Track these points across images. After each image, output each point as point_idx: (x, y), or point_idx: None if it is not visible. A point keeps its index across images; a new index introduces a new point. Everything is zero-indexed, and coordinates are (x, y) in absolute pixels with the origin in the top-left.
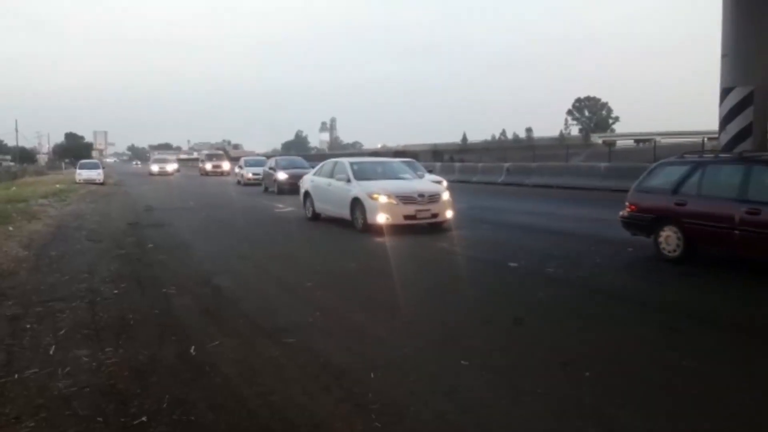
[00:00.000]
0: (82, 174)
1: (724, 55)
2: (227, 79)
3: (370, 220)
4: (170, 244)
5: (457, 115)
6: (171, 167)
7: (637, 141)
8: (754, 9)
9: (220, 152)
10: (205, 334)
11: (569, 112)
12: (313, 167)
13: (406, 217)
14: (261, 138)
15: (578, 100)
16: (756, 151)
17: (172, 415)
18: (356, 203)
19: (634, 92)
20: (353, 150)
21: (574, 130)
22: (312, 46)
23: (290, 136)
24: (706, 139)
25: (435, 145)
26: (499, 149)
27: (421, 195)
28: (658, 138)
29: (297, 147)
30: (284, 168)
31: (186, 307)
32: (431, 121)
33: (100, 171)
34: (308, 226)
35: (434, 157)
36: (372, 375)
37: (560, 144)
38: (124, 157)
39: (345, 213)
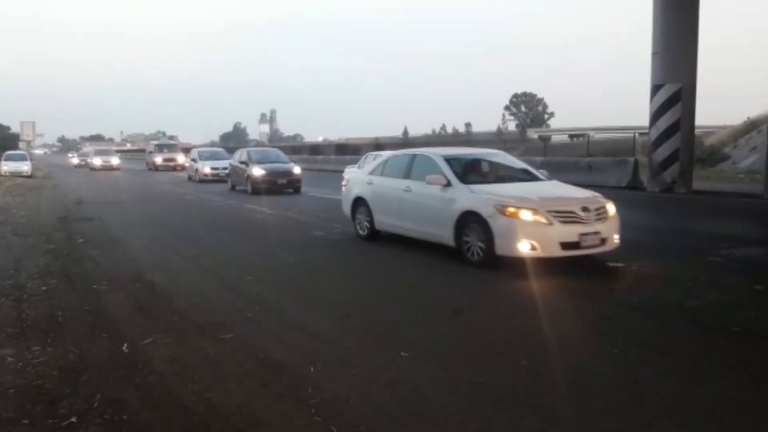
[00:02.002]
0: (8, 166)
1: (654, 53)
2: (161, 70)
3: (501, 250)
4: (101, 238)
5: (398, 109)
6: (116, 161)
7: (571, 136)
8: (683, 10)
9: (173, 142)
10: (139, 331)
11: (506, 108)
12: (288, 162)
13: (565, 246)
14: (197, 129)
15: (515, 95)
16: (685, 145)
17: (104, 415)
18: (469, 221)
19: (568, 88)
20: (294, 143)
21: (512, 125)
22: (251, 37)
23: (228, 128)
24: (637, 134)
25: (377, 138)
26: (440, 143)
27: (586, 208)
28: (591, 133)
29: (235, 139)
30: (259, 162)
31: (118, 303)
32: (372, 114)
33: (28, 163)
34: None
35: (376, 150)
36: (312, 369)
37: (498, 139)
38: (54, 149)
39: (443, 234)
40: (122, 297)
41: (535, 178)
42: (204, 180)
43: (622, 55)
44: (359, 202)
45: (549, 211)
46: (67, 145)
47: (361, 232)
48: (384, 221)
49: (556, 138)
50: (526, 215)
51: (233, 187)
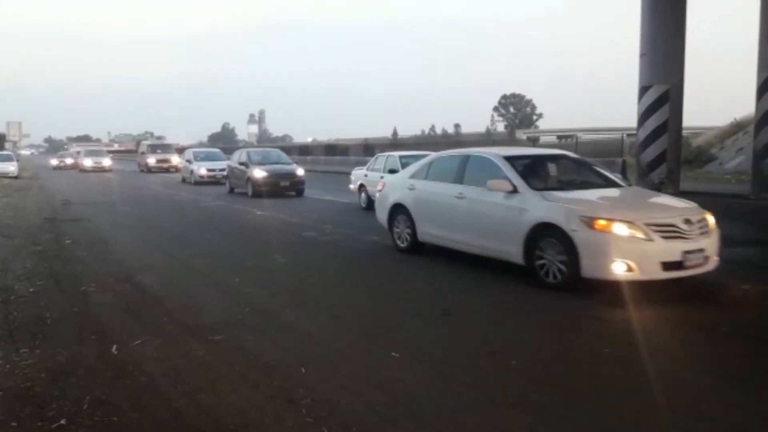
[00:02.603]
0: None
1: (642, 55)
2: (149, 70)
3: (589, 271)
4: (89, 239)
5: (388, 109)
6: (107, 162)
7: (559, 137)
8: (670, 12)
9: (167, 143)
10: (128, 333)
11: (495, 109)
12: (291, 163)
13: (667, 266)
14: (185, 130)
15: (504, 96)
16: (673, 146)
17: (93, 417)
18: (545, 235)
19: (557, 90)
20: (283, 144)
21: (500, 126)
22: (240, 38)
23: (217, 128)
24: (625, 135)
25: (366, 139)
26: (430, 144)
27: (688, 221)
28: (579, 134)
29: (224, 139)
30: (260, 164)
31: (107, 305)
32: (361, 115)
33: (15, 163)
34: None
35: (366, 152)
36: (303, 370)
37: (487, 139)
38: (41, 149)
39: (508, 250)
40: (111, 298)
41: (612, 183)
42: (199, 182)
43: (610, 57)
44: (398, 210)
45: (647, 224)
46: (54, 146)
47: (400, 243)
48: (429, 232)
49: (544, 139)
50: (620, 229)
51: (231, 190)
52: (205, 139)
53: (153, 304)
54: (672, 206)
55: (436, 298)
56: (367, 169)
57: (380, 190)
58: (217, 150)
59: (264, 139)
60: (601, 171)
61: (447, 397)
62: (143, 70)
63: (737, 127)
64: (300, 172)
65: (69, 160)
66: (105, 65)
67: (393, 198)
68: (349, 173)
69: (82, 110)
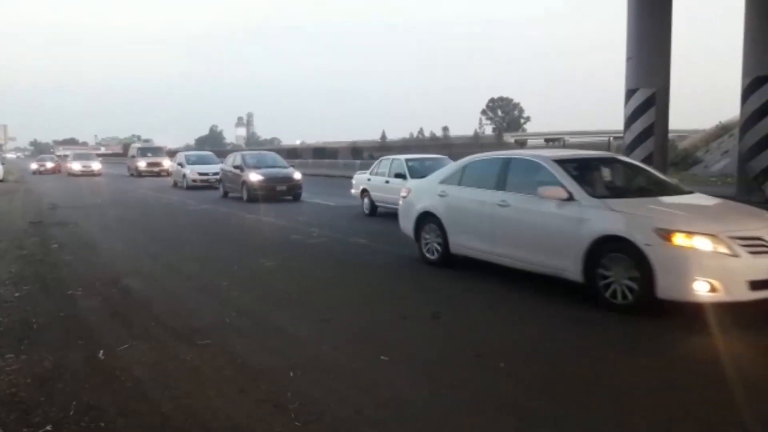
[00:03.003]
0: None
1: (629, 58)
2: (136, 73)
3: (665, 291)
4: (76, 243)
5: (376, 112)
6: (97, 166)
7: (547, 140)
8: (656, 16)
9: (158, 146)
10: (115, 337)
11: (483, 112)
12: (287, 166)
13: (755, 285)
14: (173, 133)
15: (492, 100)
16: (659, 149)
17: (80, 423)
18: (610, 249)
19: (544, 93)
20: (271, 146)
21: (488, 130)
22: (228, 41)
23: (204, 131)
24: (612, 138)
25: (354, 142)
26: (418, 147)
27: None
28: (566, 137)
29: (212, 142)
30: (255, 167)
31: (94, 309)
32: (350, 118)
33: (0, 167)
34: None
35: (354, 154)
36: (291, 374)
37: (475, 142)
38: (27, 152)
39: (564, 266)
40: (98, 303)
41: (673, 189)
42: (192, 186)
43: (597, 61)
44: (427, 219)
45: (732, 238)
46: (39, 149)
47: (429, 255)
48: (464, 244)
49: (532, 142)
50: (702, 243)
51: (225, 194)
52: (192, 142)
53: (140, 308)
54: (754, 216)
55: (424, 300)
56: (371, 173)
57: (404, 197)
58: (209, 153)
59: (252, 142)
60: (658, 175)
61: (436, 399)
62: (130, 73)
63: (722, 130)
64: (297, 175)
65: (49, 164)
66: (92, 68)
67: (421, 205)
68: (337, 176)
69: (69, 113)
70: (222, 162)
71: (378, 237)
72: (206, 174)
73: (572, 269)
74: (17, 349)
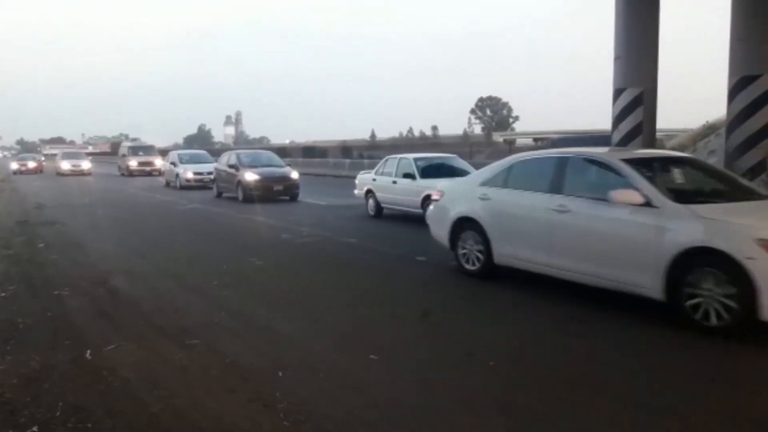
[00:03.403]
0: None
1: (617, 58)
2: (123, 71)
3: None
4: (63, 242)
5: (365, 111)
6: (87, 165)
7: (535, 139)
8: (644, 16)
9: (150, 144)
10: (102, 337)
11: (472, 111)
12: (283, 165)
13: None
14: (161, 132)
15: (481, 99)
16: (647, 148)
17: (67, 424)
18: (699, 263)
19: (533, 92)
20: (260, 145)
21: (477, 129)
22: (216, 39)
23: (192, 130)
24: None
25: (344, 141)
26: (407, 146)
27: None
28: (555, 136)
29: (200, 141)
30: (251, 166)
31: (81, 309)
32: (339, 117)
33: None
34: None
35: (344, 154)
36: (280, 374)
37: (464, 142)
38: (13, 151)
39: (641, 282)
40: (85, 302)
41: (757, 194)
42: (186, 186)
43: (584, 60)
44: (465, 225)
45: None
46: (26, 148)
47: (468, 266)
48: (512, 254)
49: (521, 141)
50: None
51: (219, 194)
52: (180, 140)
53: (128, 308)
54: None
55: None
56: (376, 173)
57: (436, 200)
58: (203, 152)
59: (241, 140)
60: (736, 178)
61: (426, 398)
62: (118, 71)
63: (709, 129)
64: (294, 175)
65: (31, 164)
66: (79, 66)
67: (457, 210)
68: (327, 175)
69: (56, 112)
70: (216, 161)
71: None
72: (201, 173)
73: (651, 286)
74: (3, 350)
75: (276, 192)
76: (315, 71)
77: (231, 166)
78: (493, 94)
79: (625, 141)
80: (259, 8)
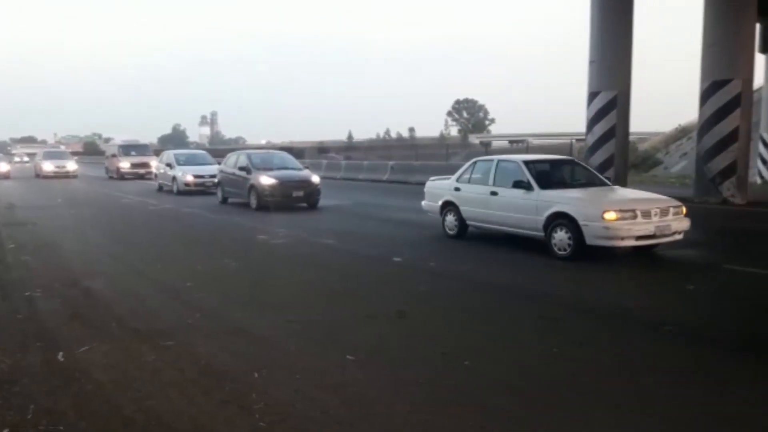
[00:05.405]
0: None
1: (591, 62)
2: (96, 70)
3: None
4: (35, 243)
5: (342, 112)
6: (72, 166)
7: (511, 142)
8: (618, 21)
9: (143, 143)
10: (75, 339)
11: (449, 113)
12: (301, 168)
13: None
14: (134, 131)
15: (457, 101)
16: (620, 151)
17: (38, 426)
18: None
19: (508, 95)
20: (236, 146)
21: (454, 131)
22: (190, 38)
23: (167, 130)
24: (574, 140)
25: (321, 142)
26: (384, 147)
27: None
28: (530, 139)
29: (175, 141)
30: (266, 169)
31: (53, 310)
32: (316, 118)
33: None
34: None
35: (320, 154)
36: (256, 375)
37: (441, 143)
38: None
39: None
40: (57, 304)
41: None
42: (184, 191)
43: (560, 64)
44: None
45: None
46: None
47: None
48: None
49: (496, 143)
50: None
51: (225, 200)
52: (155, 140)
53: (101, 310)
54: None
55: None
56: (459, 180)
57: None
58: (202, 152)
59: (216, 141)
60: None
61: (401, 398)
62: (90, 70)
63: (681, 132)
64: (315, 179)
65: (3, 167)
66: (50, 63)
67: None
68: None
69: (26, 111)
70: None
71: (346, 236)
72: (202, 176)
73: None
74: None
75: (295, 198)
76: (292, 71)
77: (242, 169)
78: (470, 97)
79: (599, 143)
80: (236, 8)
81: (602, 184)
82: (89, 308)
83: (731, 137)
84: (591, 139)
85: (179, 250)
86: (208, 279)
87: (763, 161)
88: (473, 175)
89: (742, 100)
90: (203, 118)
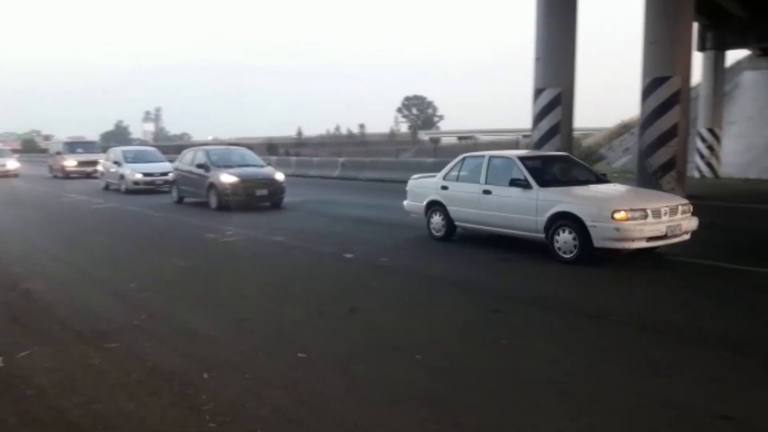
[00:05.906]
0: None
1: (537, 59)
2: (33, 64)
3: None
4: None
5: (290, 108)
6: (13, 164)
7: (460, 138)
8: (563, 18)
9: (91, 140)
10: (15, 344)
11: (399, 110)
12: (264, 165)
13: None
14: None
15: (407, 98)
16: (565, 146)
17: None
18: None
19: (456, 92)
20: (181, 142)
21: (404, 127)
22: (132, 29)
23: (109, 126)
24: (521, 136)
25: (270, 138)
26: (335, 144)
27: None
28: (478, 135)
29: (117, 138)
30: (226, 166)
31: None
32: (265, 114)
33: None
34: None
35: (269, 151)
36: (205, 376)
37: (391, 140)
38: None
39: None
40: None
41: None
42: (133, 190)
43: (508, 61)
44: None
45: None
46: None
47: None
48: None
49: (446, 140)
50: None
51: (180, 199)
52: (97, 137)
53: (42, 312)
54: None
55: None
56: (446, 178)
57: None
58: (152, 148)
59: (161, 137)
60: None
61: (353, 393)
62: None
63: (624, 128)
64: (279, 176)
65: None
66: None
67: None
68: None
69: None
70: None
71: (296, 233)
72: (152, 174)
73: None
74: None
75: (259, 198)
76: (238, 66)
77: (200, 166)
78: (419, 93)
79: (545, 139)
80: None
81: (600, 180)
82: (29, 311)
83: (671, 133)
84: (537, 135)
85: (125, 250)
86: (155, 279)
87: (701, 156)
88: (462, 173)
89: (681, 96)
90: (147, 114)
